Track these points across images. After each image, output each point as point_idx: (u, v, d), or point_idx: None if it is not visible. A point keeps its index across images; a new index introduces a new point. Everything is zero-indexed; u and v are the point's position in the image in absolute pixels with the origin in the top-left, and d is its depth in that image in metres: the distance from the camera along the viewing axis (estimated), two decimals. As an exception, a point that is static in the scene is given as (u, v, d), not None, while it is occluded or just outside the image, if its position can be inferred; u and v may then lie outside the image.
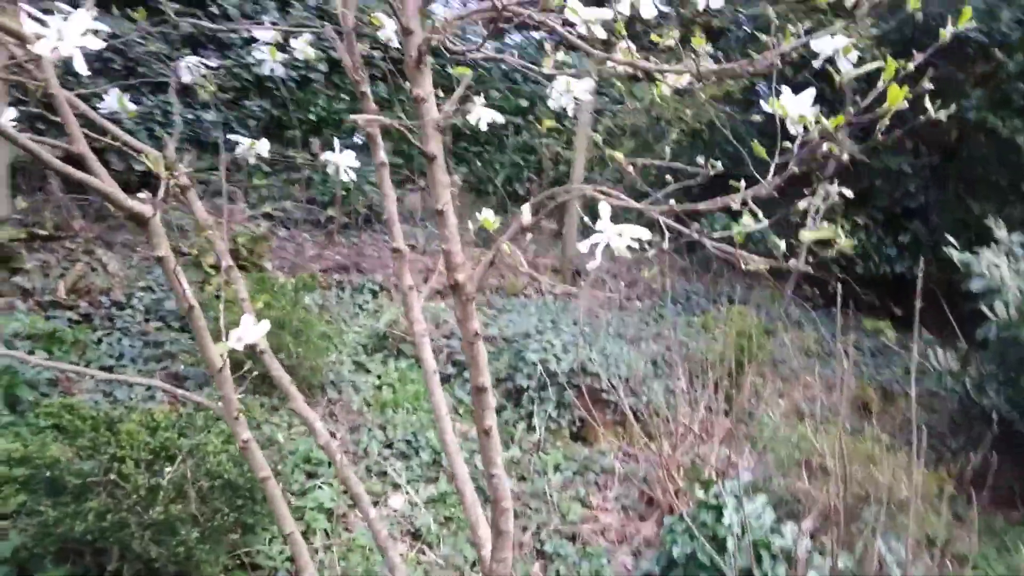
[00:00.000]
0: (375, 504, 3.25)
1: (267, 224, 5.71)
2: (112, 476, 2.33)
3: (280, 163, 6.05)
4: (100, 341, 3.94)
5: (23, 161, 4.97)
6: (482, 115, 1.55)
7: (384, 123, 1.43)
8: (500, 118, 1.57)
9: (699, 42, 1.35)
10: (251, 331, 1.36)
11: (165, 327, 4.21)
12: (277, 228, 5.91)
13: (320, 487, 3.16)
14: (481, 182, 7.76)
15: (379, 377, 4.32)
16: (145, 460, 2.44)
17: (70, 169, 1.21)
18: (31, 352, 3.60)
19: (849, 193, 1.54)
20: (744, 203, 1.23)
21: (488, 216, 1.61)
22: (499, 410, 4.24)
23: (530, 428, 4.08)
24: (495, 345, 4.69)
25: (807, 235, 1.18)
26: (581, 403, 4.24)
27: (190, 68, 2.21)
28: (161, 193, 1.59)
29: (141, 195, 1.37)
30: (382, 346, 4.65)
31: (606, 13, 1.32)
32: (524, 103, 7.93)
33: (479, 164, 7.71)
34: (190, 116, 6.02)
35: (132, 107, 1.88)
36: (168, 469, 2.43)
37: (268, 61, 2.08)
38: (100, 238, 4.98)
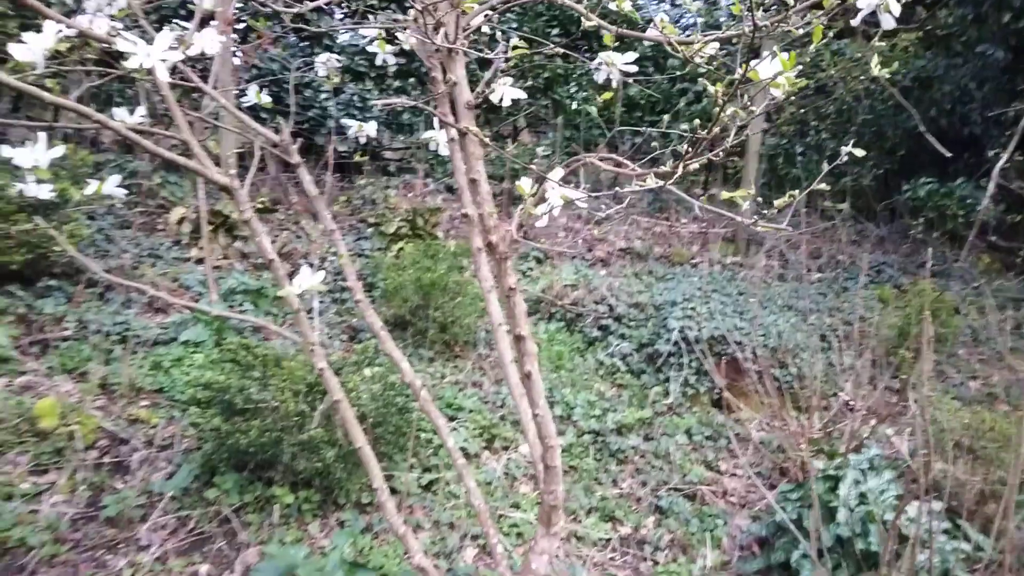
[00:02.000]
0: (505, 449, 3.58)
1: (443, 197, 6.24)
2: (275, 403, 2.87)
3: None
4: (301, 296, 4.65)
5: (248, 145, 5.92)
6: (505, 93, 1.76)
7: (407, 104, 1.69)
8: (522, 94, 1.76)
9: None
10: (307, 280, 1.70)
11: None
12: (454, 200, 6.43)
13: (456, 429, 3.55)
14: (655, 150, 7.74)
15: (529, 337, 4.64)
16: (301, 391, 2.95)
17: (167, 154, 1.60)
18: (241, 304, 4.38)
19: None
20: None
21: (524, 184, 1.81)
22: (638, 374, 4.38)
23: (667, 393, 4.18)
24: (644, 312, 4.80)
25: None
26: (723, 371, 4.25)
27: (324, 64, 2.62)
28: (272, 171, 1.99)
29: (232, 172, 1.74)
30: (536, 310, 4.96)
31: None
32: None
33: (654, 134, 7.69)
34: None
35: (267, 99, 2.30)
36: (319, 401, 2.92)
37: (380, 53, 2.43)
38: (307, 210, 5.79)
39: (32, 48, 1.39)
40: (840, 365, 4.36)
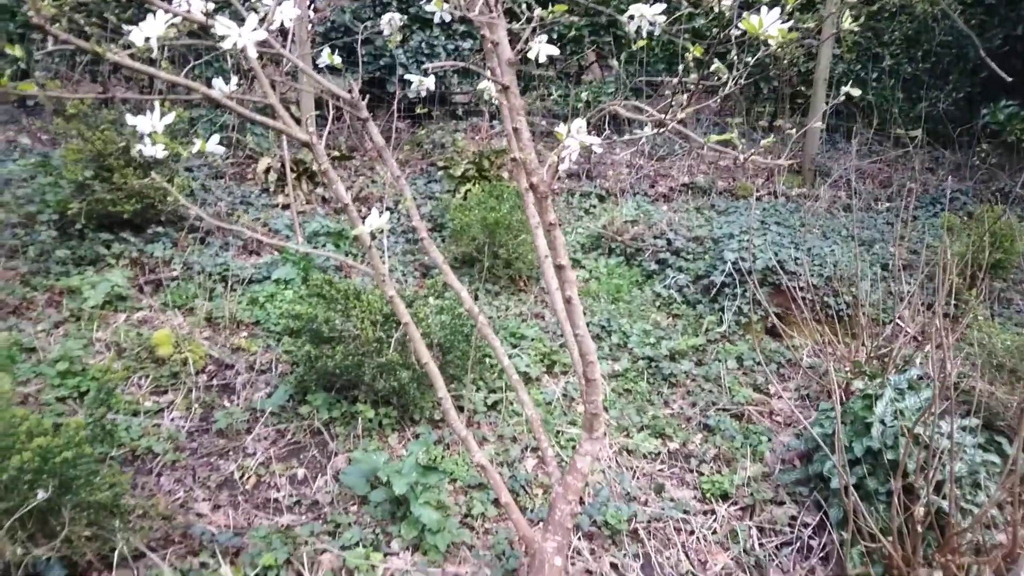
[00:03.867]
0: (564, 373, 3.89)
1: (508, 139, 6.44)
2: (355, 331, 3.25)
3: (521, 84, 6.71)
4: (374, 237, 5.03)
5: (322, 95, 6.26)
6: (541, 50, 1.98)
7: (456, 65, 1.93)
8: (556, 51, 1.97)
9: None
10: (377, 221, 1.99)
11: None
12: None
13: (519, 355, 3.87)
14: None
15: (590, 272, 4.89)
16: (379, 321, 3.31)
17: (257, 117, 1.91)
18: (324, 245, 4.79)
19: None
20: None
21: (560, 129, 2.05)
22: (693, 304, 4.58)
23: (721, 322, 4.37)
24: (702, 245, 4.96)
25: None
26: (776, 300, 4.41)
27: (388, 23, 2.87)
28: (349, 120, 2.27)
29: (311, 129, 2.03)
30: (597, 245, 5.19)
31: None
32: None
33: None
34: (451, 47, 6.91)
35: (338, 60, 2.57)
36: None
37: (438, 12, 2.66)
38: (380, 157, 6.12)
39: (147, 34, 1.70)
40: (897, 292, 4.44)
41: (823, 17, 6.41)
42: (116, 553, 2.39)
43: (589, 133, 1.88)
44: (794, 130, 7.07)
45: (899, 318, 4.35)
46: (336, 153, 5.85)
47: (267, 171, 5.40)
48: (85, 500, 2.25)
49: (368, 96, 2.10)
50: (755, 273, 4.36)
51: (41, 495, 2.09)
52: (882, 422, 3.00)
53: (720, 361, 4.02)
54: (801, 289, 4.26)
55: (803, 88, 7.35)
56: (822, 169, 6.65)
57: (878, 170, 6.94)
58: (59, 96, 1.75)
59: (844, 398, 3.63)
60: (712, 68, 1.62)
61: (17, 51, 1.70)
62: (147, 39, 1.69)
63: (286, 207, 5.15)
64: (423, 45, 6.75)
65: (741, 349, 4.13)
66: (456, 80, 7.10)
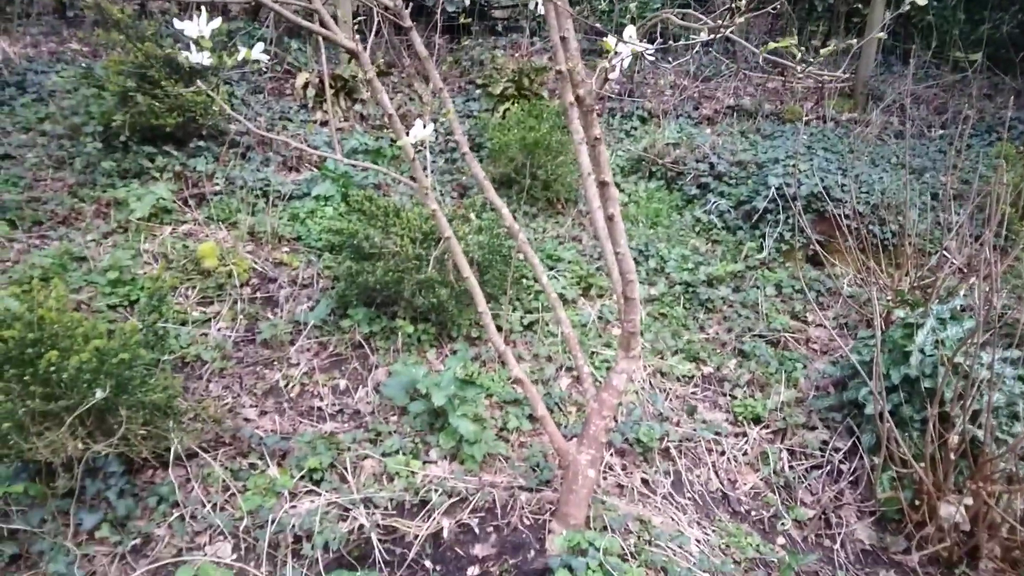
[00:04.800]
0: (600, 297, 3.90)
1: (548, 56, 6.28)
2: (395, 247, 3.28)
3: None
4: (417, 150, 5.02)
5: (366, 9, 6.14)
6: None
7: None
8: None
9: None
10: (420, 132, 1.98)
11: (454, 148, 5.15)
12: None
13: (555, 278, 3.88)
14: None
15: (628, 195, 4.83)
16: (418, 239, 3.33)
17: (304, 23, 1.88)
18: (363, 162, 4.78)
19: None
20: None
21: (609, 40, 1.99)
22: (734, 230, 4.52)
23: (761, 248, 4.31)
24: (746, 170, 4.85)
25: None
26: (820, 228, 4.32)
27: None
28: (386, 35, 2.23)
29: (356, 37, 2.01)
30: (637, 168, 5.10)
31: None
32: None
33: None
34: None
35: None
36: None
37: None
38: (419, 73, 6.03)
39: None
40: (946, 222, 4.32)
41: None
42: (171, 452, 2.51)
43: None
44: (853, 43, 6.78)
45: (945, 248, 4.25)
46: (376, 69, 5.76)
47: (305, 86, 5.36)
48: (140, 400, 2.35)
49: (408, 6, 2.06)
50: (799, 199, 4.27)
51: (99, 394, 2.19)
52: (922, 351, 2.98)
53: (758, 288, 3.99)
54: (846, 217, 4.17)
55: (859, 6, 7.00)
56: (875, 93, 6.40)
57: (933, 95, 6.65)
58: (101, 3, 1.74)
59: (884, 327, 3.60)
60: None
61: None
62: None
63: (324, 123, 5.13)
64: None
65: (780, 276, 4.09)
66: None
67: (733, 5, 1.51)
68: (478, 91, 5.81)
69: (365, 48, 2.06)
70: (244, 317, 3.45)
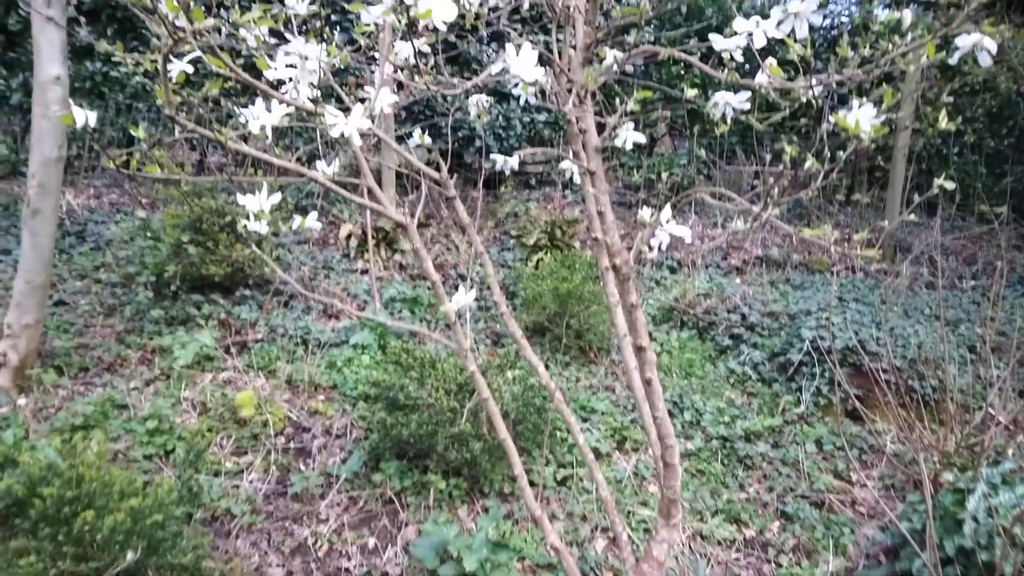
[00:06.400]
0: (635, 451, 3.83)
1: (580, 209, 6.53)
2: (430, 399, 3.29)
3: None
4: (459, 315, 5.14)
5: (404, 171, 6.52)
6: (628, 137, 2.03)
7: (549, 153, 2.00)
8: (643, 139, 2.02)
9: None
10: (463, 299, 2.05)
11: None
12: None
13: (589, 430, 3.83)
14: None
15: (661, 345, 4.85)
16: (452, 391, 3.35)
17: (357, 199, 2.01)
18: (400, 311, 4.90)
19: None
20: None
21: (644, 214, 2.07)
22: (769, 382, 4.47)
23: (798, 402, 4.24)
24: (778, 321, 4.86)
25: None
26: (857, 382, 4.26)
27: (478, 103, 3.00)
28: (425, 189, 2.36)
29: (404, 209, 2.13)
30: (669, 317, 5.15)
31: None
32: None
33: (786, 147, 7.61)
34: (527, 119, 7.11)
35: (428, 140, 2.69)
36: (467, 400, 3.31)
37: (523, 95, 2.77)
38: (456, 224, 6.28)
39: (263, 122, 1.83)
40: (987, 377, 4.24)
41: (903, 94, 6.35)
42: (195, 616, 2.43)
43: (673, 216, 1.91)
44: (874, 202, 6.95)
45: (990, 405, 4.15)
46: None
47: (348, 237, 5.61)
48: (169, 563, 2.31)
49: (448, 166, 2.20)
50: (835, 352, 4.24)
51: (130, 556, 2.16)
52: (975, 519, 2.84)
53: (798, 444, 3.89)
54: (884, 371, 4.12)
55: (881, 163, 7.24)
56: (902, 244, 6.49)
57: (961, 247, 6.73)
58: (175, 178, 1.89)
59: (933, 490, 3.45)
60: (806, 165, 1.63)
61: (140, 132, 1.85)
62: (262, 127, 1.82)
63: (365, 272, 5.32)
64: (500, 117, 6.97)
65: (820, 432, 4.00)
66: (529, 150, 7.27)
67: (768, 191, 1.58)
68: (512, 241, 6.01)
69: (413, 218, 2.17)
70: (276, 468, 3.43)
